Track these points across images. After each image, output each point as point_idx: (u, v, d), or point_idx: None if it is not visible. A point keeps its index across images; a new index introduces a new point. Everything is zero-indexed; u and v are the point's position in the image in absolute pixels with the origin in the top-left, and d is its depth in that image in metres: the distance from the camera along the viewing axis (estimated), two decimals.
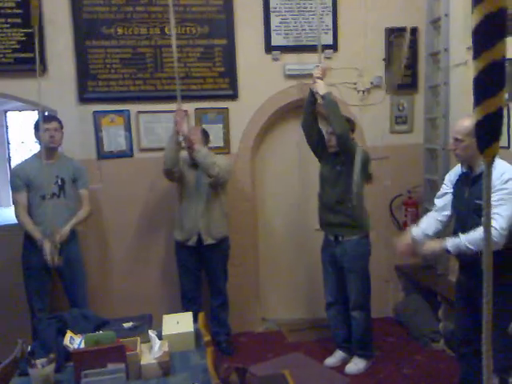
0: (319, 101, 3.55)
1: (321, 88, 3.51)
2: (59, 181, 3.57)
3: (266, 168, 4.52)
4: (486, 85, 0.88)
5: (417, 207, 4.47)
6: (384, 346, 4.06)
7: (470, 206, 2.59)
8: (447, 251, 2.60)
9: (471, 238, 2.48)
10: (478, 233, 2.46)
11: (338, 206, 3.56)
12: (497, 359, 2.65)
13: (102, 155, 4.07)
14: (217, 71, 4.14)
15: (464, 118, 2.67)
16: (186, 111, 3.75)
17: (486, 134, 0.90)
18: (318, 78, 3.55)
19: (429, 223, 2.88)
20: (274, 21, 4.18)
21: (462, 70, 3.92)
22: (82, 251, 3.82)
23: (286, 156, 4.48)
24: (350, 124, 3.62)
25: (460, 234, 2.53)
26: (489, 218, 0.93)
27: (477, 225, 2.50)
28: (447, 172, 3.03)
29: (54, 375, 2.16)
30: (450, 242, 2.58)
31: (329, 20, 4.24)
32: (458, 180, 2.78)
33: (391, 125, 4.47)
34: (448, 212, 2.83)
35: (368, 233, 3.65)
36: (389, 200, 4.52)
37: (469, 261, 2.66)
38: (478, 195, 2.52)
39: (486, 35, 0.86)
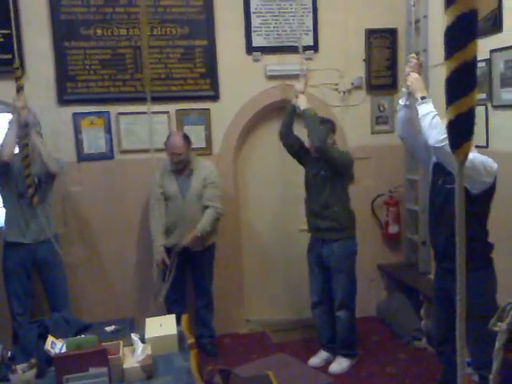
0: (300, 112, 3.57)
1: (302, 103, 3.53)
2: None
3: (248, 169, 4.52)
4: (458, 85, 0.89)
5: (398, 207, 4.50)
6: (367, 345, 4.08)
7: (443, 191, 2.61)
8: (422, 97, 2.58)
9: (436, 121, 2.47)
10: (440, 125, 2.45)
11: (325, 211, 3.58)
12: (474, 356, 2.70)
13: (82, 157, 4.02)
14: (198, 72, 4.12)
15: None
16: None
17: (458, 134, 0.90)
18: (300, 92, 3.57)
19: None
20: (255, 22, 4.18)
21: (440, 71, 3.96)
22: (63, 254, 3.76)
23: (269, 156, 4.48)
24: (331, 125, 3.63)
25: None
26: (462, 219, 0.93)
27: (449, 209, 2.49)
28: (428, 172, 3.05)
29: (35, 381, 2.14)
30: (426, 102, 2.57)
31: (309, 21, 4.26)
32: (433, 167, 2.78)
33: (372, 125, 4.51)
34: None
35: (354, 233, 3.68)
36: (370, 200, 4.55)
37: (445, 259, 2.68)
38: (451, 182, 2.51)
39: (457, 36, 0.87)
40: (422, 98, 2.57)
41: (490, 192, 2.51)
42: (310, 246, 3.80)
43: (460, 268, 0.94)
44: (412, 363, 3.76)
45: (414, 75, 2.68)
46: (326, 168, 3.54)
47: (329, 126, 3.60)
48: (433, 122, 2.45)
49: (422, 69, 2.87)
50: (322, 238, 3.64)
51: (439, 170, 2.73)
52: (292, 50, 4.13)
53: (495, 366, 1.30)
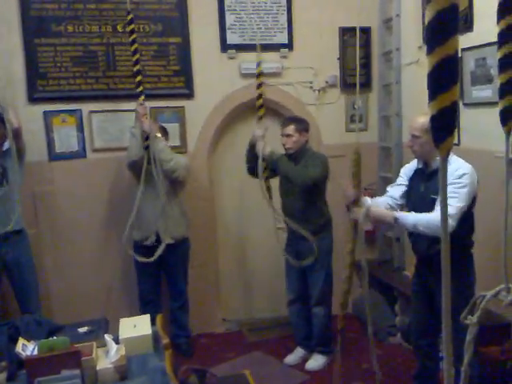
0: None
1: (261, 149, 3.52)
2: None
3: (223, 166, 4.50)
4: (440, 79, 0.89)
5: None
6: (343, 342, 4.10)
7: (426, 200, 2.65)
8: (395, 219, 2.63)
9: (421, 218, 2.53)
10: (429, 215, 2.51)
11: (301, 216, 3.58)
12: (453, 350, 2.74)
13: (53, 156, 3.95)
14: (172, 70, 4.08)
15: (420, 115, 2.73)
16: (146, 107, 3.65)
17: (441, 129, 0.91)
18: (259, 137, 3.54)
19: (382, 201, 2.92)
20: (229, 19, 4.16)
21: (413, 69, 4.01)
22: (34, 254, 3.69)
23: (244, 154, 4.46)
24: (304, 124, 3.63)
25: (412, 212, 2.60)
26: (445, 212, 0.94)
27: None
28: (400, 169, 3.09)
29: None
30: (401, 214, 2.64)
31: (283, 19, 4.26)
32: (413, 175, 2.84)
33: (347, 123, 4.53)
34: (399, 202, 2.87)
35: (331, 231, 3.70)
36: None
37: (425, 256, 2.72)
38: (434, 190, 2.59)
39: (438, 31, 0.87)
40: (395, 219, 2.62)
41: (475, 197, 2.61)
42: (287, 243, 3.81)
43: (444, 262, 0.94)
44: (387, 359, 3.80)
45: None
46: None
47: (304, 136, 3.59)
48: (425, 227, 2.49)
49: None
50: (299, 235, 3.64)
51: (420, 175, 2.77)
52: (267, 47, 4.13)
53: (466, 359, 1.32)
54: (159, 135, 3.68)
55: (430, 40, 0.89)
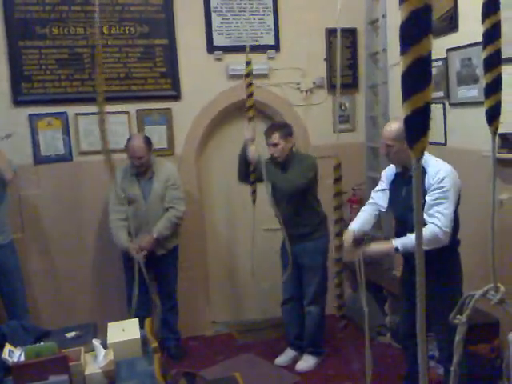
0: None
1: (251, 153, 3.43)
2: None
3: (211, 168, 4.49)
4: (414, 80, 0.89)
5: (361, 204, 4.54)
6: (333, 342, 4.11)
7: (409, 205, 2.64)
8: (396, 250, 2.65)
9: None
10: (424, 232, 2.51)
11: (296, 219, 3.57)
12: (441, 349, 2.75)
13: (39, 160, 3.91)
14: (158, 71, 4.06)
15: (391, 122, 2.73)
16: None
17: (415, 129, 0.91)
18: (251, 140, 3.43)
19: (365, 219, 2.93)
20: (216, 20, 4.15)
21: (399, 70, 4.01)
22: (21, 260, 3.65)
23: (232, 156, 4.42)
24: (288, 129, 3.59)
25: (408, 234, 2.58)
26: (419, 214, 0.94)
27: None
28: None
29: None
30: (399, 242, 2.62)
31: (270, 20, 4.26)
32: (394, 179, 2.84)
33: (334, 124, 4.53)
34: (383, 208, 2.89)
35: (327, 231, 3.70)
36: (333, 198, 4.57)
37: (413, 256, 2.72)
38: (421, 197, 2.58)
39: (412, 31, 0.88)
40: (396, 249, 2.64)
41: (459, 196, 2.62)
42: (283, 244, 3.80)
43: (418, 266, 0.94)
44: (377, 359, 3.80)
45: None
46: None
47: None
48: (427, 245, 2.41)
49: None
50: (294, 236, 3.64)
51: (401, 179, 2.77)
52: (254, 49, 4.12)
53: (456, 358, 1.32)
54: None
55: (403, 40, 0.89)
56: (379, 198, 2.93)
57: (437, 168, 2.55)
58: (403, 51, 0.89)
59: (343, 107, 4.56)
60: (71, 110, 3.93)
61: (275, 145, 3.50)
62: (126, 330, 2.51)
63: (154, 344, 2.42)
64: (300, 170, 3.49)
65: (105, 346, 2.35)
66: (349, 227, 2.92)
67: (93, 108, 3.92)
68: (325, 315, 3.82)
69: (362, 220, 2.93)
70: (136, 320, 2.65)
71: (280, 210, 3.57)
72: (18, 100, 3.81)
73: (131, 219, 3.69)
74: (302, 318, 3.81)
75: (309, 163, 3.55)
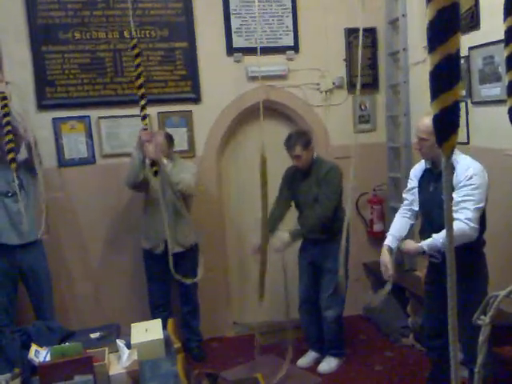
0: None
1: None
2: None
3: (231, 170, 4.50)
4: (442, 78, 0.89)
5: (382, 205, 4.52)
6: (355, 344, 4.09)
7: (436, 201, 2.62)
8: (423, 252, 2.63)
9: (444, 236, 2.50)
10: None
11: (319, 226, 3.56)
12: (466, 351, 2.72)
13: (62, 163, 3.97)
14: (178, 74, 4.10)
15: (425, 117, 2.71)
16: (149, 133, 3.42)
17: (444, 128, 0.90)
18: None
19: (401, 225, 2.91)
20: (235, 23, 4.17)
21: (420, 69, 3.99)
22: (48, 261, 3.71)
23: (251, 158, 4.44)
24: (307, 138, 3.57)
25: (433, 235, 2.56)
26: (450, 211, 0.93)
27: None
28: (410, 169, 3.07)
29: None
30: (426, 244, 2.60)
31: (289, 21, 4.26)
32: (422, 175, 2.82)
33: (354, 124, 4.52)
34: (416, 207, 2.87)
35: (348, 234, 3.67)
36: (354, 199, 4.55)
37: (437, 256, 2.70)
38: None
39: (440, 29, 0.87)
40: (424, 252, 2.65)
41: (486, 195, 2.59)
42: (301, 247, 3.80)
43: (450, 263, 0.93)
44: (399, 361, 3.78)
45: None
46: (316, 184, 3.54)
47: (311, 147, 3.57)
48: (456, 241, 2.43)
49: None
50: (312, 240, 3.64)
51: (429, 175, 2.75)
52: (274, 50, 4.15)
53: (479, 360, 1.30)
54: (165, 161, 3.59)
55: (431, 39, 0.88)
56: (410, 196, 2.91)
57: (467, 165, 2.54)
58: (431, 50, 0.88)
59: (363, 107, 4.54)
60: (94, 114, 3.99)
61: (298, 157, 3.51)
62: (149, 331, 2.53)
63: (177, 344, 2.45)
64: (328, 190, 3.51)
65: (128, 346, 2.37)
66: (386, 235, 2.93)
67: (115, 111, 4.00)
68: (343, 318, 3.79)
69: (397, 227, 2.92)
70: (159, 320, 2.67)
71: (304, 219, 3.58)
72: (42, 104, 3.88)
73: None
74: (320, 320, 3.77)
75: (334, 182, 3.54)
